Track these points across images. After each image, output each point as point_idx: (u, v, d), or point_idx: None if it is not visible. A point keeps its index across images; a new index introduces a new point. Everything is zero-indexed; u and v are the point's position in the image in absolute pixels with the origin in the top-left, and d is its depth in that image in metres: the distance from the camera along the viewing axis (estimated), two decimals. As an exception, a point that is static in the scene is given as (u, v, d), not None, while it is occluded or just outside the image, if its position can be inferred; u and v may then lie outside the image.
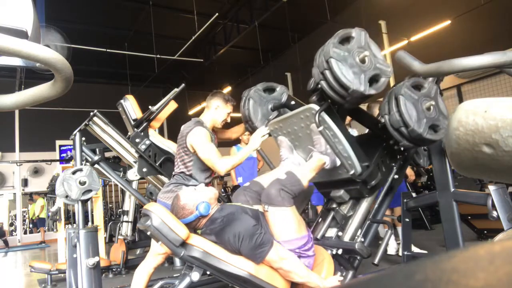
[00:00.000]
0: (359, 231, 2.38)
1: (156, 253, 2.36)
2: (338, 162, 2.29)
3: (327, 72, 2.03)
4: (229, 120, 2.75)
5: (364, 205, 2.48)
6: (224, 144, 3.39)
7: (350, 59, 2.05)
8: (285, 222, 2.01)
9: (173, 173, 2.65)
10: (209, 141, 2.47)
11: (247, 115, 2.68)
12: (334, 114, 2.29)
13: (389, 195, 2.58)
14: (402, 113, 2.11)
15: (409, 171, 4.22)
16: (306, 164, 2.35)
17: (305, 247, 2.04)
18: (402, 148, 2.44)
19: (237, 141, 4.93)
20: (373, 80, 2.11)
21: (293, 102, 2.71)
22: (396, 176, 2.51)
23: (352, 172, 2.22)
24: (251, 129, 2.70)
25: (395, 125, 2.16)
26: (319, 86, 2.17)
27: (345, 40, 2.12)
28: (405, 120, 2.11)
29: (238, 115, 2.75)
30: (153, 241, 2.31)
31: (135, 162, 3.25)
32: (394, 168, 2.50)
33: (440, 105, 2.27)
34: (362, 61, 2.08)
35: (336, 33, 2.10)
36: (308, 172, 2.24)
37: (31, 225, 12.97)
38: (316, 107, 2.20)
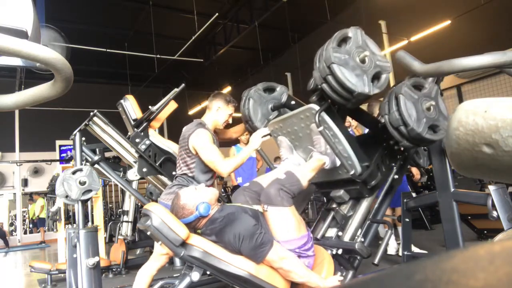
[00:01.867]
0: (359, 231, 2.38)
1: (159, 253, 2.36)
2: (338, 162, 2.29)
3: (330, 78, 2.03)
4: (230, 121, 2.75)
5: (364, 205, 2.48)
6: (224, 145, 3.40)
7: (351, 62, 2.05)
8: (285, 222, 2.01)
9: (175, 174, 2.65)
10: (211, 143, 2.46)
11: (247, 114, 2.67)
12: (334, 114, 2.29)
13: (389, 195, 2.58)
14: (402, 112, 2.10)
15: (415, 170, 4.23)
16: (305, 164, 2.35)
17: (305, 247, 2.04)
18: (402, 148, 2.44)
19: (236, 141, 4.93)
20: (374, 78, 2.11)
21: (293, 102, 2.70)
22: (396, 176, 2.50)
23: (352, 172, 2.22)
24: (251, 129, 2.70)
25: (394, 124, 2.15)
26: (319, 86, 2.16)
27: (343, 41, 2.11)
28: (404, 119, 2.10)
29: (239, 115, 2.75)
30: (156, 242, 2.31)
31: (135, 162, 3.25)
32: (394, 168, 2.49)
33: (440, 106, 2.26)
34: (362, 61, 2.08)
35: (333, 36, 2.09)
36: (308, 172, 2.23)
37: (31, 225, 12.97)
38: (316, 107, 2.20)
